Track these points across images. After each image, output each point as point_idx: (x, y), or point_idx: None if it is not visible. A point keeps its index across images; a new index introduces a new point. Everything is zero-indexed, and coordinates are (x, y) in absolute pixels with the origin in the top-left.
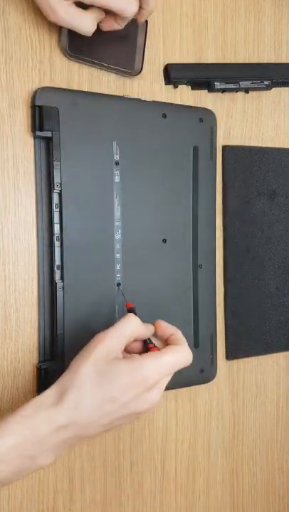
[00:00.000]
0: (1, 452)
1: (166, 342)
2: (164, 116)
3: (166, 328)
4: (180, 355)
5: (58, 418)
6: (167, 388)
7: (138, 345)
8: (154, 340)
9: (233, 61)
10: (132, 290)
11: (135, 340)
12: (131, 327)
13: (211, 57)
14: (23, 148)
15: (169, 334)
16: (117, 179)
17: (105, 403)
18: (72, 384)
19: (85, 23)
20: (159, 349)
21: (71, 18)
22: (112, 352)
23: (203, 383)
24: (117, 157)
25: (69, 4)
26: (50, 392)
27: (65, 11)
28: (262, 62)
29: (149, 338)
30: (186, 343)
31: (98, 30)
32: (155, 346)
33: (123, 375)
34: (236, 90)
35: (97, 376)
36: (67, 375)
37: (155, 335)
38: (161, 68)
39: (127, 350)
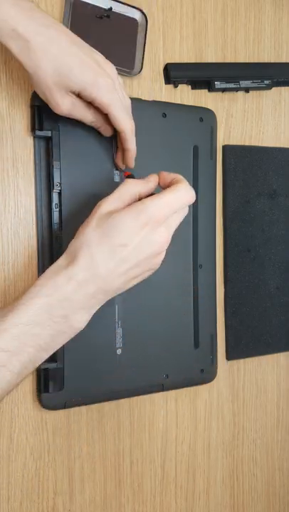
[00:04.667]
0: (33, 313)
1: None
2: (164, 115)
3: (168, 175)
4: (182, 191)
5: (77, 274)
6: (168, 388)
7: None
8: None
9: (233, 60)
10: (131, 290)
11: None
12: (129, 186)
13: (211, 56)
14: (23, 148)
15: (170, 180)
16: (116, 179)
17: (117, 249)
18: (81, 245)
19: (88, 117)
20: None
21: (75, 111)
22: (113, 211)
23: (204, 383)
24: None
25: (74, 98)
26: (62, 258)
27: (70, 104)
28: (262, 61)
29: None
30: (187, 182)
31: (97, 30)
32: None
33: (127, 220)
34: (236, 90)
35: (102, 229)
36: (73, 241)
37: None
38: (162, 68)
39: None
